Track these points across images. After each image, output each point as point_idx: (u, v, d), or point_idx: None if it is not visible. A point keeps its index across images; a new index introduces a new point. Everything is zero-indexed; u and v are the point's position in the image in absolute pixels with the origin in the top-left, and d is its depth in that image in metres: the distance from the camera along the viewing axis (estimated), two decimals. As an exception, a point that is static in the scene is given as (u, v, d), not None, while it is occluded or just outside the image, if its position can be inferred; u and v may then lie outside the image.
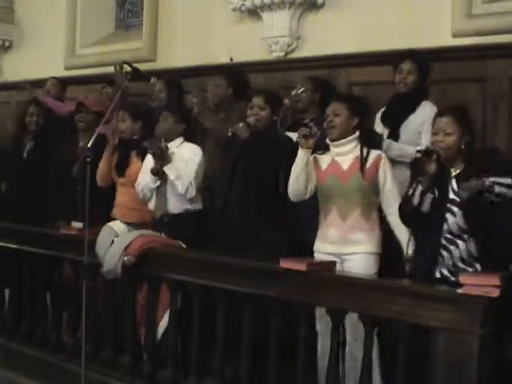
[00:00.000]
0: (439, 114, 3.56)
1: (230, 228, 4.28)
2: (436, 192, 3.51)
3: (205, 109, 5.10)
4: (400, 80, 4.37)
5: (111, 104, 4.55)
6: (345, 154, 3.84)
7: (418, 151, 3.60)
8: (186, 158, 4.47)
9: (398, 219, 3.68)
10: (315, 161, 3.90)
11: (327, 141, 3.89)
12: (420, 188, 3.52)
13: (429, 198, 3.53)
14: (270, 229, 4.13)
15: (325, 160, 3.90)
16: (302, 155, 3.79)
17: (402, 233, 3.73)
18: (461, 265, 3.41)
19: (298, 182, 3.82)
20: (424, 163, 3.49)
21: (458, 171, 3.48)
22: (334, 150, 3.87)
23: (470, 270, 3.37)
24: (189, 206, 4.47)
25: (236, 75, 5.13)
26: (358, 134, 3.85)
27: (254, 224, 4.16)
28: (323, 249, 3.82)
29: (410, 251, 3.61)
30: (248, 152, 4.28)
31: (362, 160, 3.78)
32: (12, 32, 8.13)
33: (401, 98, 4.40)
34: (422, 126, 4.22)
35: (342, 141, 3.83)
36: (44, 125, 5.56)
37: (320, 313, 3.67)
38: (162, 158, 4.35)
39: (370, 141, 3.89)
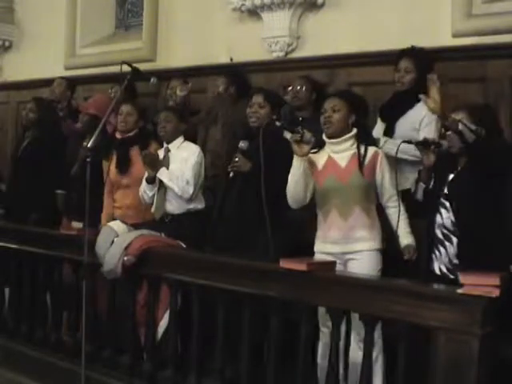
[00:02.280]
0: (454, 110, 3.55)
1: (228, 227, 4.25)
2: (431, 183, 3.55)
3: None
4: (398, 79, 4.39)
5: (111, 104, 4.55)
6: (342, 151, 3.81)
7: (417, 142, 3.63)
8: (184, 157, 4.48)
9: (397, 212, 3.73)
10: (310, 162, 3.81)
11: (324, 137, 3.85)
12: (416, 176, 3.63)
13: (421, 187, 3.59)
14: (268, 229, 4.06)
15: (320, 159, 3.84)
16: (296, 164, 3.69)
17: (401, 226, 3.74)
18: (456, 261, 3.42)
19: (295, 190, 3.75)
20: (422, 154, 3.52)
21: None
22: (330, 147, 3.84)
23: None
24: (190, 206, 4.47)
25: (237, 75, 5.14)
26: (355, 131, 3.83)
27: (253, 224, 4.12)
28: (325, 249, 3.79)
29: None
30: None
31: (360, 158, 3.76)
32: (12, 32, 8.11)
33: (400, 94, 4.41)
34: (419, 123, 4.22)
35: (340, 139, 3.80)
36: (42, 123, 5.51)
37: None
38: (154, 165, 4.40)
39: (366, 138, 3.86)
